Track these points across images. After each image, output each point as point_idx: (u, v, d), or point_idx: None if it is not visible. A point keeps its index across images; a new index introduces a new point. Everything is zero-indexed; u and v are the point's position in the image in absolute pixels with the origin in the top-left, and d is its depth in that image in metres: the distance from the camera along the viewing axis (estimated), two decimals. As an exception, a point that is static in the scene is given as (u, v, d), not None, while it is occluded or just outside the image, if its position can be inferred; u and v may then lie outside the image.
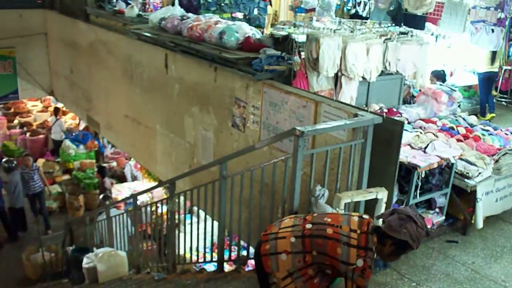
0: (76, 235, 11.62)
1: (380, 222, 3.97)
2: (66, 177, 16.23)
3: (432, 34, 10.42)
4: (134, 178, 16.04)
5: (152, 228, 9.30)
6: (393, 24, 8.95)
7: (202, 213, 7.09)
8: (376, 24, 8.60)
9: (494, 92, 10.70)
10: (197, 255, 7.66)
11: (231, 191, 6.11)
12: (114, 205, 11.98)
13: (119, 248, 9.35)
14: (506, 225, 6.88)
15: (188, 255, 8.23)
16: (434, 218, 6.58)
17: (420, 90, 8.81)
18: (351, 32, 7.65)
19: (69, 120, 19.49)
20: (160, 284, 7.06)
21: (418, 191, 6.26)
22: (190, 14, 9.44)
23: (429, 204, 6.69)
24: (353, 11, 12.52)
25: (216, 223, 6.58)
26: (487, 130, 7.83)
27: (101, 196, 12.59)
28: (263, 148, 6.51)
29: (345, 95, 7.33)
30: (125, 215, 9.66)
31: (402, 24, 9.65)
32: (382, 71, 7.72)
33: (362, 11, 12.20)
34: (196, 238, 7.25)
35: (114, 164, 16.81)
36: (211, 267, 7.79)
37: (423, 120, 7.88)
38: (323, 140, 5.97)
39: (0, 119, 19.64)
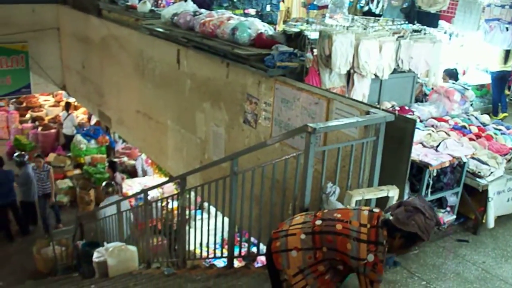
0: (87, 229, 11.68)
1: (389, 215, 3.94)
2: (77, 171, 16.30)
3: (445, 32, 10.36)
4: (145, 173, 16.08)
5: (162, 224, 9.32)
6: (406, 22, 8.88)
7: (212, 209, 7.10)
8: (389, 21, 8.55)
9: (507, 91, 10.62)
10: (207, 251, 7.67)
11: (242, 187, 6.11)
12: (125, 199, 12.08)
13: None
14: (518, 225, 6.85)
15: (198, 251, 8.25)
16: (445, 217, 6.56)
17: (432, 89, 8.78)
18: (364, 29, 7.63)
19: (80, 115, 19.55)
20: (170, 279, 7.08)
21: (429, 190, 6.25)
22: (202, 10, 9.44)
23: (440, 203, 6.67)
24: (366, 8, 12.45)
25: (226, 219, 6.59)
26: (500, 129, 7.80)
27: (103, 184, 12.69)
28: (275, 144, 6.50)
29: (357, 93, 7.32)
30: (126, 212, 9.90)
31: (415, 22, 9.60)
32: (394, 68, 7.69)
33: (375, 8, 12.13)
34: (207, 234, 7.25)
35: (125, 159, 16.85)
36: (220, 263, 7.81)
37: (435, 118, 7.85)
38: (334, 137, 5.96)
39: (12, 113, 19.76)
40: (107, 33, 12.26)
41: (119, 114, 12.68)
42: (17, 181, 12.89)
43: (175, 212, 8.44)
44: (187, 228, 7.70)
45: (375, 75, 7.45)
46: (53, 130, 18.52)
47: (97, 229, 11.12)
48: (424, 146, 6.59)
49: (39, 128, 18.57)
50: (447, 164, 6.22)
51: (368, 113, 5.49)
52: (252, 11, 12.75)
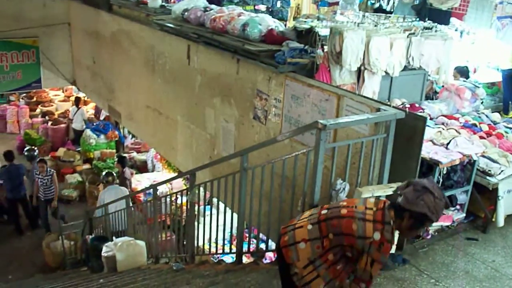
0: (95, 224, 11.74)
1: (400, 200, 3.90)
2: (87, 166, 16.38)
3: (456, 30, 10.32)
4: (153, 168, 16.13)
5: (171, 219, 9.34)
6: (418, 19, 8.86)
7: (221, 205, 7.10)
8: (400, 18, 8.52)
9: (517, 90, 10.57)
10: (216, 247, 7.68)
11: (251, 183, 6.11)
12: (135, 194, 12.13)
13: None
14: (528, 223, 6.82)
15: (206, 247, 8.27)
16: (454, 215, 6.54)
17: (443, 86, 8.74)
18: (375, 26, 7.60)
19: (88, 110, 19.61)
20: (178, 274, 7.11)
21: (439, 188, 6.23)
22: (213, 6, 9.43)
23: (450, 201, 6.63)
24: (377, 5, 12.41)
25: (235, 215, 6.59)
26: (510, 128, 7.76)
27: (103, 173, 12.74)
28: (284, 141, 6.50)
29: (368, 90, 7.29)
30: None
31: (427, 19, 9.55)
32: (405, 66, 7.67)
33: (386, 5, 12.09)
34: (216, 229, 7.26)
35: (134, 154, 16.89)
36: (228, 259, 7.82)
37: (445, 116, 7.82)
38: (344, 134, 5.96)
39: (22, 108, 19.87)
40: (118, 29, 12.28)
41: (129, 109, 12.70)
42: (27, 175, 12.96)
43: (184, 207, 8.46)
44: (195, 223, 7.72)
45: (386, 72, 7.42)
46: (63, 125, 18.61)
47: (96, 215, 11.47)
48: (434, 143, 6.58)
49: (49, 123, 18.70)
50: (457, 162, 6.20)
51: (378, 110, 5.48)
52: (262, 7, 12.75)
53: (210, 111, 8.89)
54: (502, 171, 6.47)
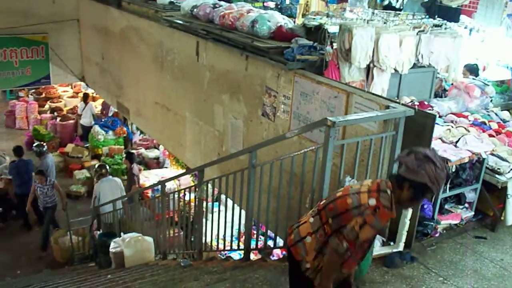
0: (103, 219, 11.78)
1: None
2: (95, 162, 16.39)
3: (465, 27, 10.27)
4: (163, 163, 16.21)
5: (179, 215, 9.36)
6: (427, 16, 8.82)
7: (229, 202, 7.11)
8: (410, 15, 8.50)
9: (527, 88, 10.53)
10: (224, 244, 7.69)
11: (259, 180, 6.12)
12: (142, 190, 12.15)
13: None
14: (537, 222, 6.79)
15: (214, 243, 8.28)
16: (463, 213, 6.54)
17: (452, 84, 8.71)
18: (384, 23, 7.58)
19: (97, 106, 19.66)
20: (186, 270, 7.12)
21: (448, 186, 6.21)
22: (222, 2, 9.43)
23: (459, 199, 6.65)
24: (386, 2, 12.35)
25: (243, 212, 6.60)
26: (520, 126, 7.73)
27: (96, 166, 12.92)
28: (293, 138, 6.50)
29: (377, 87, 7.28)
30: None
31: (436, 16, 9.52)
32: (414, 63, 7.65)
33: (396, 2, 12.05)
34: (224, 226, 7.27)
35: (143, 150, 16.92)
36: (236, 256, 7.82)
37: (454, 114, 7.79)
38: (353, 131, 5.95)
39: (31, 103, 19.95)
40: (127, 25, 12.30)
41: (138, 105, 12.73)
42: (36, 171, 13.00)
43: (192, 203, 8.47)
44: (203, 220, 7.73)
45: (395, 69, 7.41)
46: (71, 121, 18.65)
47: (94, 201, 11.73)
48: (443, 141, 6.56)
49: (58, 119, 18.75)
50: (466, 160, 6.19)
51: (387, 107, 5.48)
52: (271, 4, 12.74)
53: (219, 108, 8.89)
54: (511, 169, 6.44)
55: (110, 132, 17.21)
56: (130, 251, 8.40)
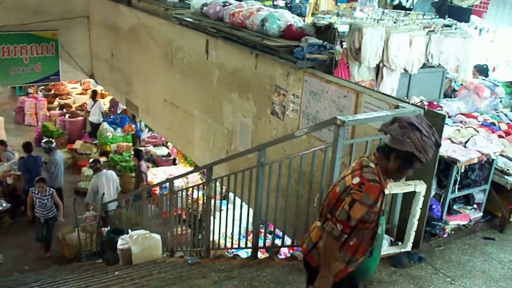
0: (111, 216, 11.82)
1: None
2: (103, 159, 16.44)
3: (475, 28, 10.24)
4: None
5: (186, 213, 9.37)
6: (437, 16, 8.81)
7: (236, 200, 7.12)
8: (420, 15, 8.48)
9: (537, 89, 10.49)
10: (231, 242, 7.70)
11: (268, 178, 6.12)
12: (150, 188, 12.18)
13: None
14: (546, 224, 6.76)
15: (221, 241, 8.29)
16: (471, 214, 6.52)
17: (461, 84, 8.69)
18: (394, 23, 7.57)
19: (106, 103, 19.72)
20: (194, 268, 7.13)
21: (456, 186, 6.20)
22: (232, 1, 9.44)
23: (467, 200, 6.62)
24: (396, 1, 12.30)
25: (250, 210, 6.61)
26: (530, 127, 7.70)
27: (90, 161, 13.07)
28: (302, 136, 6.50)
29: (386, 87, 7.27)
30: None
31: (447, 16, 9.50)
32: (424, 63, 7.63)
33: (406, 2, 12.01)
34: (232, 224, 7.28)
35: (151, 147, 16.96)
36: (243, 254, 7.83)
37: (464, 114, 7.77)
38: (362, 130, 5.95)
39: (40, 100, 20.02)
40: (137, 22, 12.33)
41: (146, 102, 12.76)
42: (46, 167, 13.05)
43: (200, 201, 8.48)
44: (211, 218, 7.75)
45: (405, 69, 7.40)
46: (80, 118, 18.74)
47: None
48: (452, 142, 6.54)
49: (67, 116, 18.83)
50: (475, 161, 6.16)
51: (397, 107, 5.48)
52: (281, 3, 12.73)
53: (228, 106, 8.90)
54: (520, 170, 6.44)
55: (119, 129, 17.26)
56: (138, 248, 8.42)
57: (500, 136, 7.04)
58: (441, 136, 5.46)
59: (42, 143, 14.05)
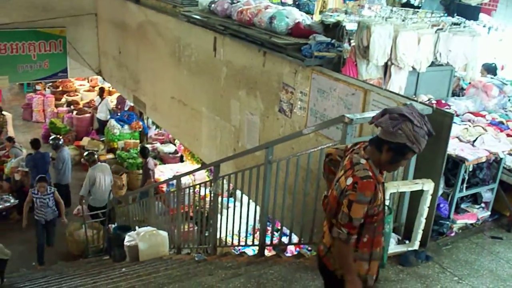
0: (118, 213, 11.84)
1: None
2: (110, 156, 16.48)
3: (484, 26, 10.19)
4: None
5: (194, 210, 9.38)
6: (446, 14, 8.77)
7: (243, 197, 7.13)
8: (428, 13, 8.45)
9: (546, 88, 10.44)
10: (238, 239, 7.70)
11: (275, 176, 6.12)
12: (156, 184, 12.20)
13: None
14: (554, 223, 6.74)
15: (228, 239, 8.29)
16: (479, 213, 6.51)
17: (470, 83, 8.66)
18: (403, 21, 7.56)
19: (113, 100, 19.75)
20: (200, 265, 7.13)
21: (464, 185, 6.19)
22: (240, -2, 9.44)
23: (475, 199, 6.61)
24: (404, -1, 12.32)
25: (257, 208, 6.61)
26: (538, 126, 7.67)
27: (85, 154, 13.15)
28: (310, 134, 6.49)
29: (394, 85, 7.26)
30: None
31: (455, 14, 9.46)
32: (432, 62, 7.61)
33: (414, 0, 11.99)
34: (239, 222, 7.28)
35: (158, 145, 16.98)
36: (250, 252, 7.84)
37: (472, 113, 7.75)
38: (370, 129, 5.92)
39: (48, 97, 20.09)
40: (144, 20, 12.34)
41: (154, 100, 12.77)
42: (53, 164, 13.09)
43: (207, 199, 8.48)
44: (218, 215, 7.75)
45: (413, 67, 7.38)
46: (87, 115, 18.77)
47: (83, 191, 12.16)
48: (460, 140, 6.52)
49: (74, 112, 18.88)
50: (483, 160, 6.15)
51: (405, 105, 5.45)
52: (289, 0, 12.69)
53: (235, 103, 8.90)
54: (529, 169, 6.42)
55: (126, 126, 17.26)
56: (145, 245, 8.43)
57: (508, 135, 7.01)
58: (449, 134, 5.45)
59: (49, 140, 14.08)
